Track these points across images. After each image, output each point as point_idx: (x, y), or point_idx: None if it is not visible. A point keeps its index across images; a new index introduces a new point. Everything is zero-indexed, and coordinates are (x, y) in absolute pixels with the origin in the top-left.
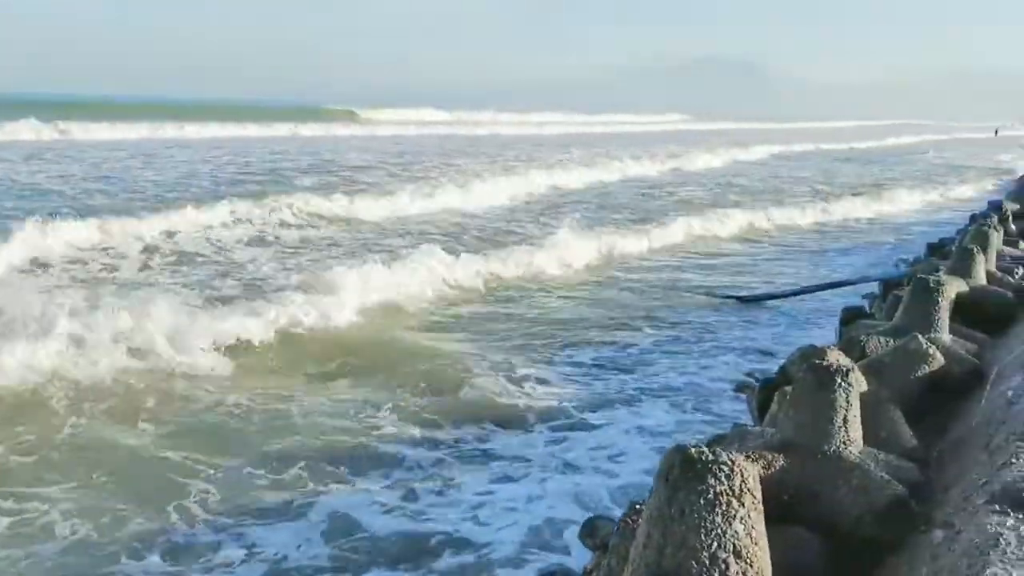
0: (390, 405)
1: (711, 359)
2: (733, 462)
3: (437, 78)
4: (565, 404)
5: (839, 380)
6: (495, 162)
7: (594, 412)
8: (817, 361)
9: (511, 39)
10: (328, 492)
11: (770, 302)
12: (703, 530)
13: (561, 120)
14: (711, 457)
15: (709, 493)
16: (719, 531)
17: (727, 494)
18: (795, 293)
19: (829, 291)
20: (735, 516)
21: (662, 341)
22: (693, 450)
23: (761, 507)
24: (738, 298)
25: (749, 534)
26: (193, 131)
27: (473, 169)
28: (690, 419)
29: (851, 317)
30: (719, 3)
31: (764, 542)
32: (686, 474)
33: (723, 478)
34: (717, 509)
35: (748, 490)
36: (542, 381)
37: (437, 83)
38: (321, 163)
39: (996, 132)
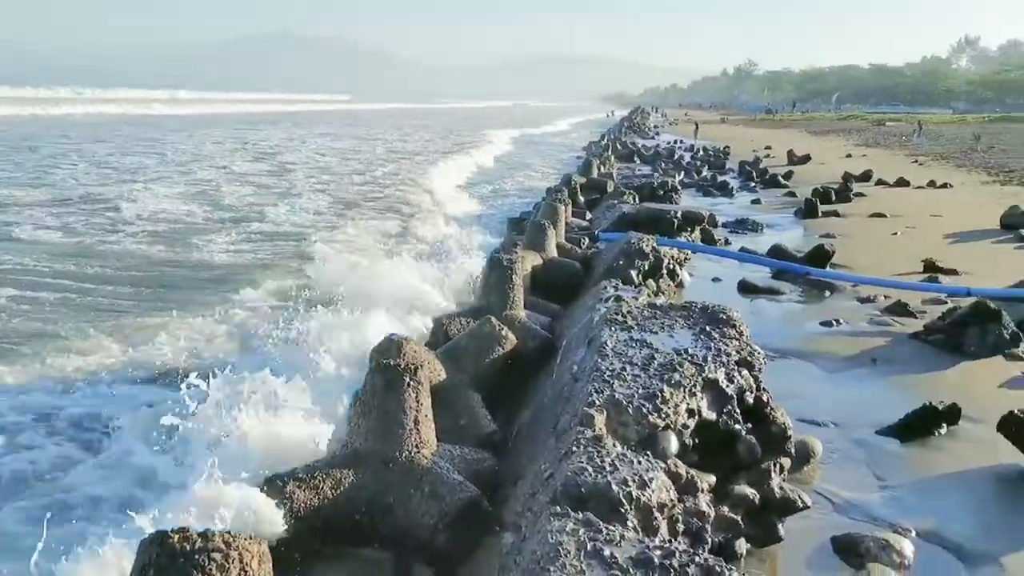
0: None
1: None
2: (228, 545)
3: None
4: None
5: (407, 379)
6: None
7: None
8: (384, 361)
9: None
10: None
11: None
12: None
13: (165, 98)
14: (199, 544)
15: None
16: None
17: None
18: None
19: None
20: None
21: None
22: (176, 537)
23: None
24: None
25: None
26: None
27: None
28: None
29: None
30: None
31: None
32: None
33: (215, 571)
34: None
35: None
36: None
37: None
38: None
39: (612, 113)
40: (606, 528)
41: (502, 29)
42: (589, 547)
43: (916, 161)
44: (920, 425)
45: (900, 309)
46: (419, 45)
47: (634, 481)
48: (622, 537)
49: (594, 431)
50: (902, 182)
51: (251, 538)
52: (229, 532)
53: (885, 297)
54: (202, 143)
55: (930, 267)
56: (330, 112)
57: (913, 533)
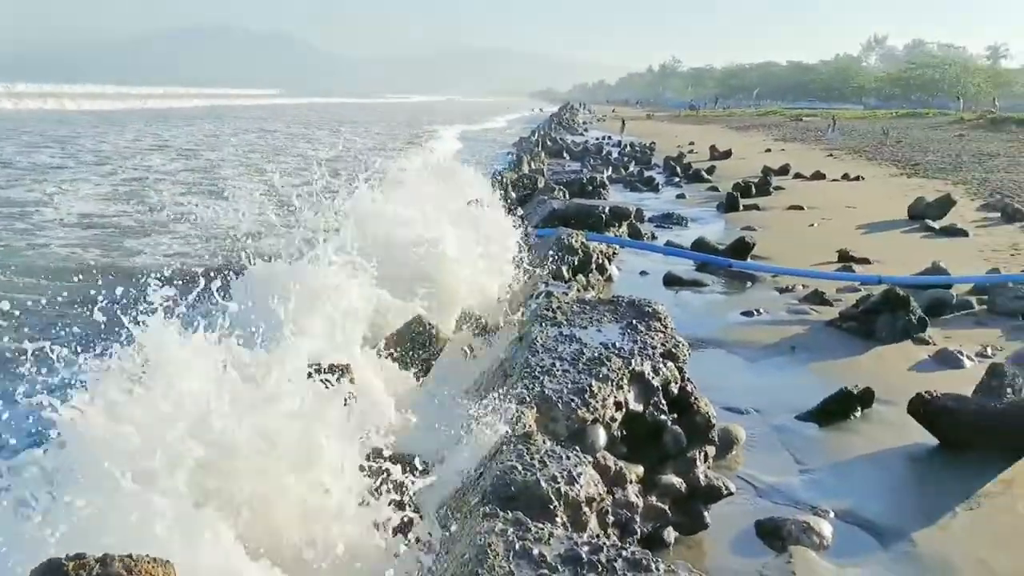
0: None
1: None
2: (130, 570)
3: None
4: None
5: (336, 379)
6: None
7: None
8: (310, 363)
9: None
10: None
11: None
12: None
13: (78, 92)
14: (97, 570)
15: None
16: None
17: None
18: None
19: None
20: None
21: None
22: (70, 565)
23: None
24: None
25: None
26: None
27: None
28: None
29: None
30: None
31: None
32: None
33: None
34: None
35: None
36: None
37: None
38: None
39: (541, 109)
40: (535, 527)
41: (427, 24)
42: (518, 547)
43: (831, 155)
44: (837, 409)
45: (817, 298)
46: (345, 37)
47: (563, 477)
48: (551, 535)
49: (524, 428)
50: (818, 175)
51: (155, 560)
52: (130, 556)
53: (803, 286)
54: (119, 141)
55: (844, 257)
56: (260, 107)
57: (831, 514)
